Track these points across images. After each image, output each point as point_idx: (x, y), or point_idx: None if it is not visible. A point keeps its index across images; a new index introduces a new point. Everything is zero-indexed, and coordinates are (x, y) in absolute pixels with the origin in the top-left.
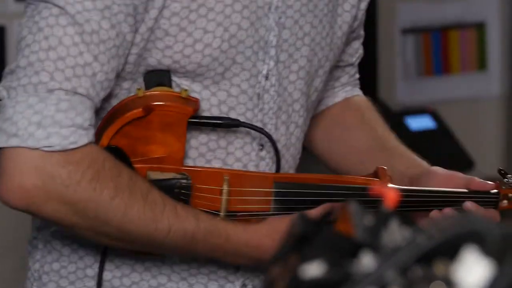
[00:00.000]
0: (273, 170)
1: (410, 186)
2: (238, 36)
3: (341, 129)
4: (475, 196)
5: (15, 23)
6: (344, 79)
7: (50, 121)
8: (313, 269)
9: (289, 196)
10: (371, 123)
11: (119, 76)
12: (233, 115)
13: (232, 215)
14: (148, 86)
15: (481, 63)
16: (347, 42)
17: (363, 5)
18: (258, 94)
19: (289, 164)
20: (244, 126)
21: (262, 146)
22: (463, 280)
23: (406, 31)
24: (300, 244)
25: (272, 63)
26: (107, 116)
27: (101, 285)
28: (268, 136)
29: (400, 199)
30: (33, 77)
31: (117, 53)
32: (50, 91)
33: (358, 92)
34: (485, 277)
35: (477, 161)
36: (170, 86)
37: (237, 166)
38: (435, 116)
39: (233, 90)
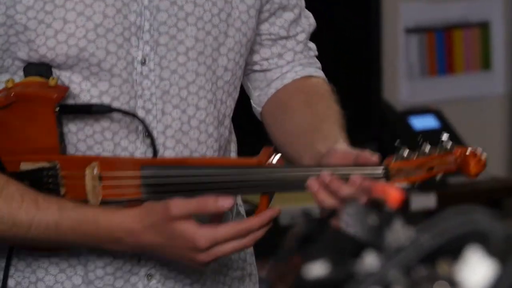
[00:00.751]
0: (165, 156)
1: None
2: (104, 25)
3: (285, 113)
4: (363, 170)
5: None
6: (288, 56)
7: None
8: (317, 269)
9: (156, 178)
10: (313, 106)
11: None
12: (116, 104)
13: (105, 204)
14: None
15: (485, 63)
16: (270, 14)
17: None
18: (136, 81)
19: (191, 148)
20: (116, 111)
21: (147, 133)
22: (467, 279)
23: (410, 31)
24: (304, 244)
25: (147, 48)
26: None
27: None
28: (141, 121)
29: (288, 179)
30: None
31: None
32: None
33: (311, 72)
34: (489, 276)
35: None
36: (50, 74)
37: (117, 152)
38: (439, 115)
39: (114, 80)
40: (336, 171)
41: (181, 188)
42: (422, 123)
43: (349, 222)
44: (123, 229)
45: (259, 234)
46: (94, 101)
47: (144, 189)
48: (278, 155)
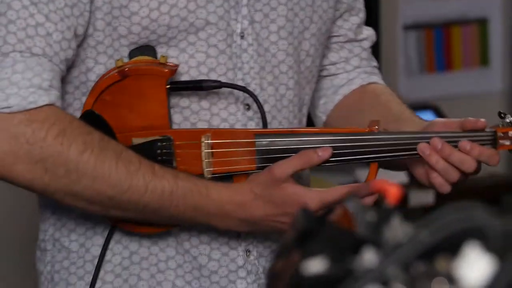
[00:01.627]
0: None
1: None
2: None
3: (357, 113)
4: (470, 135)
5: None
6: (355, 61)
7: (7, 83)
8: (316, 265)
9: (272, 145)
10: (386, 103)
11: (89, 48)
12: (213, 76)
13: (218, 179)
14: None
15: (484, 59)
16: (340, 14)
17: None
18: (236, 54)
19: (283, 126)
20: (226, 87)
21: (248, 106)
22: (465, 276)
23: (408, 27)
24: (302, 240)
25: (246, 22)
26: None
27: (99, 268)
28: (251, 94)
29: (399, 143)
30: None
31: (72, 12)
32: (5, 54)
33: (376, 80)
34: (487, 273)
35: None
36: (155, 57)
37: (224, 126)
38: (437, 112)
39: (211, 51)
40: (445, 137)
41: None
42: None
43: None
44: (233, 202)
45: (367, 202)
46: (193, 72)
47: (258, 156)
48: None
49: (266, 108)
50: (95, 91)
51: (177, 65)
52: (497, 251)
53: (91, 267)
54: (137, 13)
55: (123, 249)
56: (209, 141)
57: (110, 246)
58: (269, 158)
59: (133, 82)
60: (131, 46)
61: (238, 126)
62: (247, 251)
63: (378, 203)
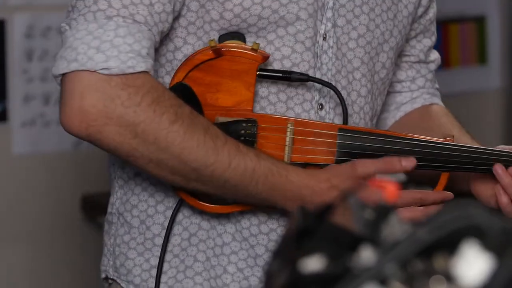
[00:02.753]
0: None
1: None
2: None
3: (422, 131)
4: None
5: (15, 17)
6: (420, 81)
7: (109, 45)
8: (313, 263)
9: (353, 141)
10: (447, 126)
11: (179, 28)
12: (295, 71)
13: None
14: None
15: (481, 57)
16: (415, 34)
17: None
18: (317, 53)
19: None
20: (313, 81)
21: (321, 106)
22: (463, 274)
23: None
24: (300, 238)
25: (329, 25)
26: (179, 66)
27: (165, 250)
28: (336, 91)
29: (475, 156)
30: (92, 6)
31: None
32: (109, 17)
33: (437, 101)
34: (485, 271)
35: None
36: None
37: (304, 116)
38: None
39: (297, 47)
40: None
41: (371, 156)
42: None
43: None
44: (309, 187)
45: (431, 210)
46: (276, 64)
47: (339, 149)
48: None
49: (338, 110)
50: (187, 65)
51: (269, 54)
52: (495, 249)
53: (150, 245)
54: (230, 0)
55: (183, 230)
56: (293, 128)
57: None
58: (349, 154)
59: (225, 63)
60: (221, 32)
61: (320, 119)
62: None
63: (376, 201)
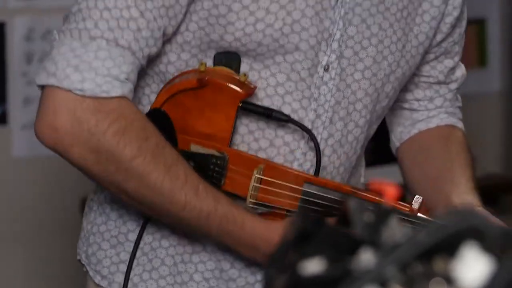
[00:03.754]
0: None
1: None
2: (301, 23)
3: (425, 155)
4: None
5: (15, 19)
6: (438, 101)
7: (87, 66)
8: (313, 266)
9: (316, 198)
10: (452, 154)
11: (174, 44)
12: (288, 99)
13: (258, 205)
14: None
15: (481, 60)
16: (435, 57)
17: (449, 19)
18: (315, 84)
19: (341, 161)
20: (293, 123)
21: (317, 150)
22: (463, 276)
23: None
24: (300, 241)
25: (333, 56)
26: (166, 83)
27: (137, 246)
28: (313, 138)
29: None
30: (80, 23)
31: (167, 13)
32: (92, 38)
33: (454, 122)
34: (485, 273)
35: (478, 158)
36: (238, 67)
37: (284, 149)
38: None
39: (293, 76)
40: None
41: (331, 209)
42: None
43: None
44: (264, 238)
45: None
46: (270, 90)
47: (301, 203)
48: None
49: (330, 141)
50: (171, 90)
51: (254, 87)
52: (495, 251)
53: (123, 239)
54: (233, 24)
55: (155, 230)
56: (259, 176)
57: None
58: (311, 206)
59: (208, 92)
60: (219, 49)
61: (295, 164)
62: None
63: (376, 203)
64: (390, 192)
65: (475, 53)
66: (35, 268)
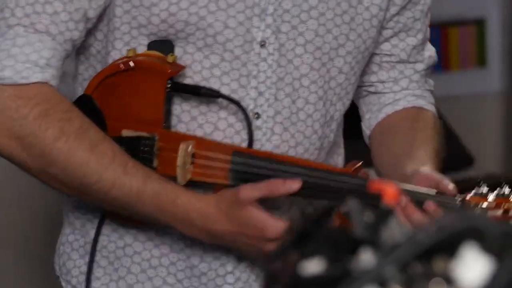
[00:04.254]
0: (271, 140)
1: None
2: (227, 0)
3: (391, 137)
4: (440, 199)
5: None
6: (404, 83)
7: (6, 55)
8: (313, 266)
9: (245, 166)
10: (415, 131)
11: (109, 32)
12: (226, 80)
13: (192, 186)
14: None
15: (481, 60)
16: (394, 33)
17: None
18: (252, 61)
19: (297, 139)
20: (223, 98)
21: (258, 115)
22: (463, 276)
23: None
24: (300, 241)
25: (269, 31)
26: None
27: (94, 253)
28: (243, 111)
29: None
30: None
31: None
32: (9, 26)
33: (423, 104)
34: (485, 273)
35: (478, 158)
36: (171, 53)
37: (229, 131)
38: None
39: (226, 55)
40: (415, 194)
41: (263, 178)
42: None
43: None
44: (199, 211)
45: None
46: (205, 72)
47: (231, 174)
48: (364, 170)
49: (278, 118)
50: (100, 76)
51: (183, 67)
52: (494, 251)
53: (89, 249)
54: (157, 4)
55: (118, 238)
56: (189, 150)
57: (107, 232)
58: (241, 177)
59: (135, 75)
60: (151, 37)
61: (244, 133)
62: (240, 258)
63: (376, 204)
64: (390, 192)
65: (474, 53)
66: (24, 269)
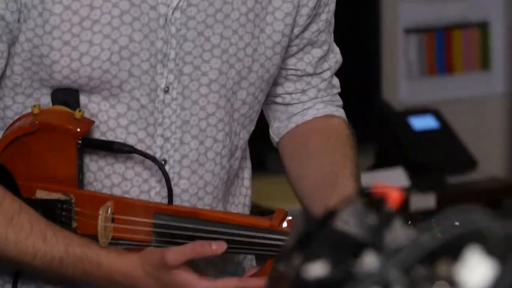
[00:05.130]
0: (179, 185)
1: None
2: (130, 48)
3: (304, 154)
4: None
5: None
6: (312, 92)
7: None
8: (316, 269)
9: (168, 228)
10: (331, 153)
11: (9, 88)
12: (133, 129)
13: (115, 244)
14: (54, 104)
15: (484, 63)
16: (298, 49)
17: (305, 11)
18: (157, 109)
19: (206, 180)
20: (138, 153)
21: (164, 161)
22: (466, 280)
23: (409, 31)
24: (303, 243)
25: (171, 77)
26: (5, 130)
27: None
28: (161, 167)
29: None
30: None
31: None
32: None
33: (333, 111)
34: (488, 277)
35: (480, 161)
36: (77, 102)
37: (137, 180)
38: (438, 115)
39: (133, 104)
40: None
41: (191, 240)
42: (421, 123)
43: (349, 222)
44: (122, 273)
45: None
46: (111, 122)
47: (155, 236)
48: (290, 217)
49: (185, 162)
50: (6, 138)
51: (92, 122)
52: (498, 254)
53: None
54: (58, 62)
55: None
56: (108, 215)
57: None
58: (165, 237)
59: (44, 135)
60: (53, 87)
61: (152, 193)
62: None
63: (379, 207)
64: (394, 196)
65: (478, 56)
66: None
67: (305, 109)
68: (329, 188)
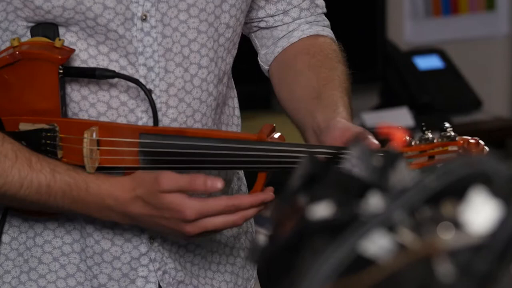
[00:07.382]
0: (167, 114)
1: (316, 140)
2: None
3: (292, 74)
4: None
5: None
6: (294, 13)
7: None
8: (321, 210)
9: (155, 147)
10: (316, 68)
11: None
12: (114, 57)
13: (103, 170)
14: None
15: (489, 3)
16: None
17: None
18: (136, 37)
19: (194, 108)
20: (120, 77)
21: (150, 91)
22: (471, 221)
23: None
24: (308, 185)
25: (148, 4)
26: None
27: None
28: (144, 88)
29: (284, 155)
30: None
31: None
32: None
33: (318, 30)
34: (493, 218)
35: (485, 100)
36: (56, 36)
37: (123, 110)
38: (443, 55)
39: (111, 35)
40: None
41: (179, 158)
42: (426, 63)
43: (354, 163)
44: (112, 197)
45: (250, 213)
46: (91, 50)
47: (141, 156)
48: (279, 133)
49: (172, 91)
50: None
51: (72, 50)
52: (503, 196)
53: None
54: None
55: (28, 228)
56: (93, 137)
57: (18, 223)
58: (152, 158)
59: (24, 66)
60: (30, 23)
61: (139, 123)
62: (151, 238)
63: (385, 147)
64: (398, 135)
65: None
66: None
67: (290, 31)
68: (314, 101)
